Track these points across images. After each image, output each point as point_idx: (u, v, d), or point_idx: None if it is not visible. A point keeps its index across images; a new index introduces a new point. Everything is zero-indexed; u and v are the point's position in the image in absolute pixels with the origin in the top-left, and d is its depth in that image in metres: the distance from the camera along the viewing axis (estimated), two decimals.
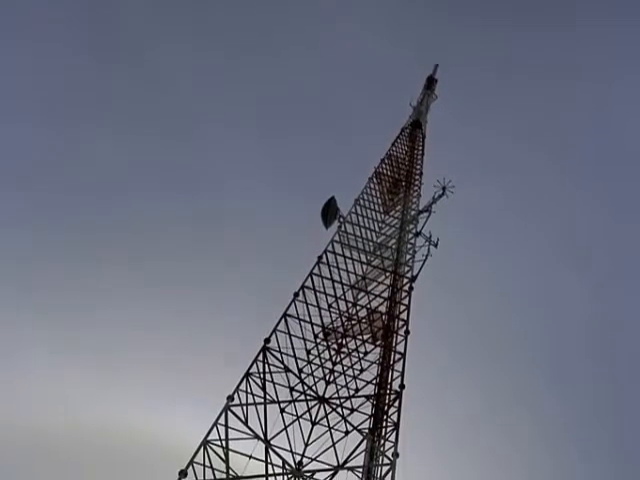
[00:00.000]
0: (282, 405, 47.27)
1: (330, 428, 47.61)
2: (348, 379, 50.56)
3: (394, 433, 43.61)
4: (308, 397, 48.16)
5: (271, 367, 46.70)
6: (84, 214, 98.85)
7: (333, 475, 43.28)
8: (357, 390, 50.25)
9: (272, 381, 46.72)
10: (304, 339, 50.56)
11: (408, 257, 60.16)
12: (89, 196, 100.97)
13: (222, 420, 41.31)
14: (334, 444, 46.94)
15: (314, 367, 50.42)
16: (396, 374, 48.24)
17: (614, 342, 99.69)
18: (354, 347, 52.53)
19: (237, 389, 43.46)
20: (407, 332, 51.57)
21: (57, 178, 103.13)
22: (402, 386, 46.72)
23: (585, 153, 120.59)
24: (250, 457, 42.77)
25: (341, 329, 53.31)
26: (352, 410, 47.51)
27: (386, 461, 41.69)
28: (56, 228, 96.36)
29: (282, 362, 47.63)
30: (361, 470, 41.76)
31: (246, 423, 43.01)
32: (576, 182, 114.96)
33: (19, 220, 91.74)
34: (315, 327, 51.75)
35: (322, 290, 53.24)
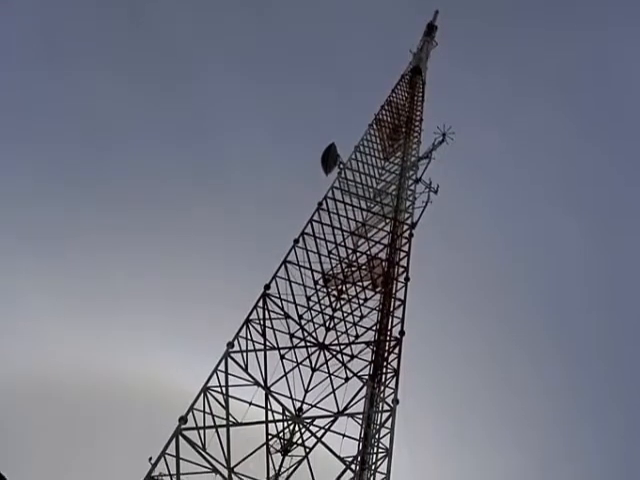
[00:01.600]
0: (282, 352, 46.59)
1: (330, 375, 47.02)
2: (348, 326, 49.84)
3: (394, 380, 42.97)
4: (308, 343, 47.50)
5: (271, 314, 45.91)
6: (83, 163, 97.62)
7: (333, 422, 42.81)
8: (357, 337, 49.42)
9: (272, 328, 45.98)
10: (304, 286, 49.74)
11: (408, 204, 59.19)
12: (89, 145, 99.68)
13: (222, 367, 40.54)
14: (334, 391, 46.35)
15: (314, 313, 49.66)
16: (396, 321, 47.43)
17: (612, 285, 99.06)
18: (354, 294, 51.74)
19: (237, 336, 42.67)
20: (407, 279, 50.74)
21: (56, 126, 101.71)
22: (402, 333, 46.04)
23: (585, 99, 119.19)
24: (250, 404, 42.22)
25: (341, 276, 52.50)
26: (352, 357, 46.81)
27: (386, 408, 41.09)
28: (55, 176, 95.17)
29: (282, 308, 46.85)
30: (361, 417, 41.15)
31: (246, 370, 42.32)
32: (576, 127, 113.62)
33: (18, 168, 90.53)
34: (315, 274, 50.92)
35: (322, 237, 52.36)
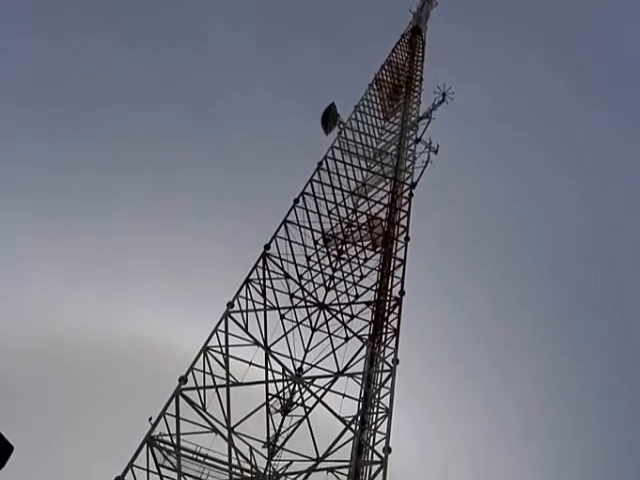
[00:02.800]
0: (282, 311, 46.01)
1: (330, 334, 46.46)
2: (348, 285, 49.22)
3: (394, 339, 42.32)
4: (308, 303, 46.90)
5: (271, 273, 45.28)
6: (85, 123, 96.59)
7: (333, 381, 42.33)
8: (357, 296, 48.78)
9: (272, 287, 45.39)
10: (304, 245, 49.04)
11: (408, 164, 58.43)
12: (91, 104, 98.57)
13: (222, 327, 39.87)
14: (334, 350, 45.83)
15: (314, 273, 49.01)
16: (396, 280, 46.87)
17: (613, 244, 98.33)
18: (354, 253, 51.07)
19: (237, 296, 41.99)
20: (407, 239, 50.09)
21: (59, 88, 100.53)
22: (402, 292, 45.48)
23: (585, 57, 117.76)
24: (250, 364, 41.64)
25: (341, 235, 51.79)
26: (352, 316, 46.21)
27: (386, 367, 40.46)
28: (58, 136, 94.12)
29: (282, 268, 46.20)
30: (361, 376, 40.62)
31: (246, 330, 41.71)
32: (576, 86, 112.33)
33: (20, 130, 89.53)
34: (315, 233, 50.23)
35: (322, 197, 51.62)
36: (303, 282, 47.65)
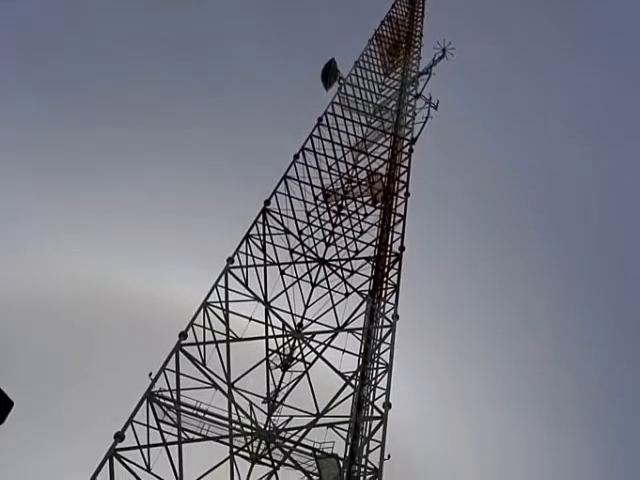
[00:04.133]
0: (282, 267, 45.27)
1: (330, 290, 45.73)
2: (348, 241, 48.49)
3: (394, 295, 41.57)
4: (308, 259, 46.16)
5: (271, 229, 44.50)
6: (86, 80, 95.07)
7: (333, 337, 41.60)
8: (357, 252, 48.12)
9: (272, 243, 44.62)
10: (304, 201, 48.22)
11: (408, 119, 57.46)
12: (90, 60, 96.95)
13: (222, 282, 39.08)
14: (334, 306, 45.13)
15: (314, 229, 48.22)
16: (396, 236, 46.03)
17: (613, 202, 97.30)
18: (354, 209, 50.32)
19: (237, 251, 41.21)
20: (407, 194, 49.25)
21: (59, 43, 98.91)
22: (402, 248, 44.72)
23: (583, 10, 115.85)
24: (250, 319, 40.88)
25: (341, 191, 51.03)
26: (352, 272, 45.53)
27: (386, 323, 39.75)
28: (57, 92, 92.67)
29: (282, 224, 45.39)
30: (361, 332, 39.80)
31: (246, 285, 40.93)
32: (576, 41, 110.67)
33: (20, 86, 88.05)
34: (315, 189, 49.46)
35: (322, 152, 50.76)
36: (303, 238, 46.90)
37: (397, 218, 47.32)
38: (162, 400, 34.18)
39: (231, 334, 38.48)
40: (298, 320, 44.44)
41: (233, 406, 35.63)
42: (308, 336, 41.98)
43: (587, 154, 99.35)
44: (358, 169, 52.86)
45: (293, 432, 36.01)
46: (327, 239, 48.42)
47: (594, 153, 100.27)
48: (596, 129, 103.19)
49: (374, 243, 46.55)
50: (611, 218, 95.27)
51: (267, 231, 44.10)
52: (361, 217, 49.96)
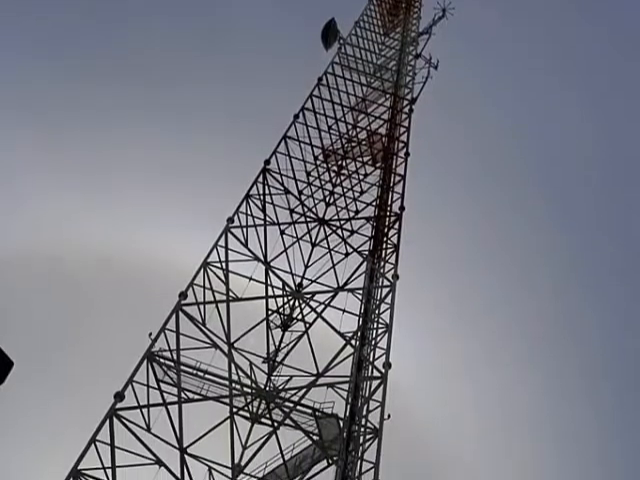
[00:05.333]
0: (282, 227, 44.43)
1: (330, 250, 44.93)
2: (348, 201, 47.65)
3: (394, 255, 40.87)
4: (308, 219, 45.34)
5: (271, 189, 43.71)
6: (84, 35, 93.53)
7: (333, 297, 40.86)
8: (357, 212, 47.29)
9: (272, 203, 43.81)
10: (304, 161, 47.40)
11: (408, 79, 56.55)
12: (89, 16, 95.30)
13: (222, 242, 38.37)
14: (334, 266, 44.31)
15: (314, 189, 47.39)
16: (396, 196, 45.28)
17: (614, 162, 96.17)
18: (354, 169, 49.38)
19: (237, 211, 40.47)
20: (407, 154, 48.45)
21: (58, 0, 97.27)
22: (402, 208, 43.99)
23: None
24: (250, 279, 40.13)
25: (341, 151, 50.14)
26: (352, 232, 44.74)
27: (386, 283, 39.09)
28: (57, 49, 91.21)
29: (282, 184, 44.58)
30: (361, 292, 39.09)
31: (246, 245, 40.20)
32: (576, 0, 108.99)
33: (20, 44, 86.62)
34: (315, 149, 48.58)
35: (322, 112, 49.83)
36: (303, 198, 46.11)
37: (397, 178, 46.56)
38: (162, 360, 33.68)
39: (231, 294, 37.82)
40: (298, 280, 43.67)
41: (233, 366, 35.09)
42: (308, 296, 41.25)
43: (587, 114, 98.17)
44: (358, 129, 51.97)
45: (293, 392, 35.40)
46: (327, 199, 47.62)
47: (594, 113, 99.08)
48: (596, 89, 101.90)
49: (374, 203, 45.74)
50: (612, 178, 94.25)
51: (267, 191, 43.34)
52: (361, 177, 49.10)
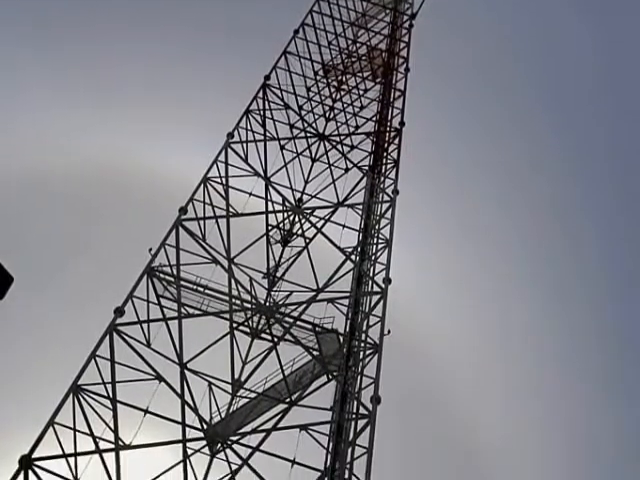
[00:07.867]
0: (282, 142, 42.64)
1: (330, 165, 43.25)
2: (348, 116, 45.91)
3: (394, 170, 39.38)
4: (308, 134, 43.60)
5: (271, 104, 41.91)
6: None
7: (333, 212, 39.30)
8: (357, 127, 45.58)
9: (272, 118, 42.02)
10: (304, 76, 45.56)
11: None
12: None
13: (222, 157, 36.62)
14: (334, 181, 42.67)
15: (314, 104, 45.59)
16: (396, 111, 43.61)
17: (613, 75, 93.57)
18: (354, 84, 47.58)
19: (237, 126, 38.63)
20: (407, 69, 46.68)
21: None
22: (402, 123, 42.34)
23: None
24: (250, 194, 38.43)
25: (341, 66, 48.20)
26: (352, 147, 42.97)
27: (386, 198, 37.69)
28: None
29: (282, 99, 42.74)
30: (361, 207, 37.60)
31: (246, 160, 38.47)
32: None
33: None
34: (315, 64, 46.65)
35: (322, 27, 47.93)
36: (303, 113, 44.36)
37: (397, 93, 44.87)
38: (162, 275, 32.31)
39: (231, 209, 36.23)
40: (298, 195, 42.15)
41: (233, 281, 33.66)
42: (308, 211, 39.60)
43: (587, 29, 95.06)
44: (358, 44, 49.97)
45: (293, 307, 33.99)
46: (327, 114, 45.90)
47: (597, 33, 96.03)
48: (600, 8, 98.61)
49: (374, 118, 44.07)
50: (611, 91, 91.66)
51: (267, 106, 41.60)
52: (361, 92, 47.37)
